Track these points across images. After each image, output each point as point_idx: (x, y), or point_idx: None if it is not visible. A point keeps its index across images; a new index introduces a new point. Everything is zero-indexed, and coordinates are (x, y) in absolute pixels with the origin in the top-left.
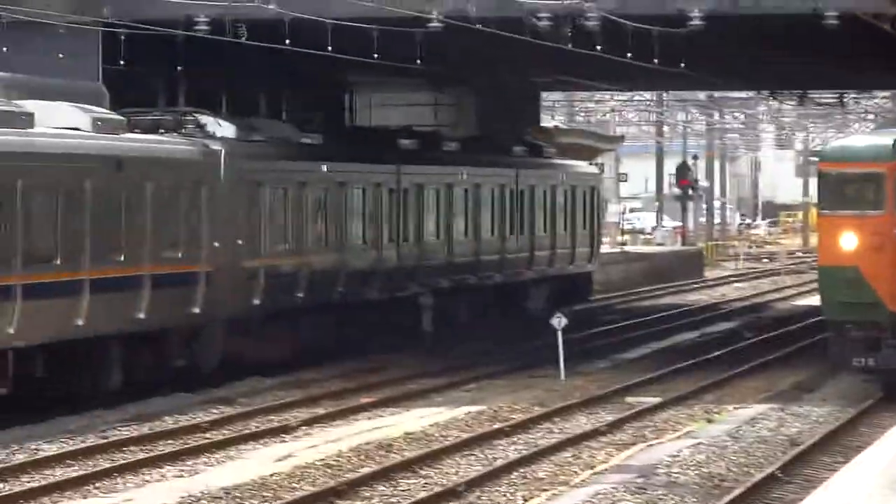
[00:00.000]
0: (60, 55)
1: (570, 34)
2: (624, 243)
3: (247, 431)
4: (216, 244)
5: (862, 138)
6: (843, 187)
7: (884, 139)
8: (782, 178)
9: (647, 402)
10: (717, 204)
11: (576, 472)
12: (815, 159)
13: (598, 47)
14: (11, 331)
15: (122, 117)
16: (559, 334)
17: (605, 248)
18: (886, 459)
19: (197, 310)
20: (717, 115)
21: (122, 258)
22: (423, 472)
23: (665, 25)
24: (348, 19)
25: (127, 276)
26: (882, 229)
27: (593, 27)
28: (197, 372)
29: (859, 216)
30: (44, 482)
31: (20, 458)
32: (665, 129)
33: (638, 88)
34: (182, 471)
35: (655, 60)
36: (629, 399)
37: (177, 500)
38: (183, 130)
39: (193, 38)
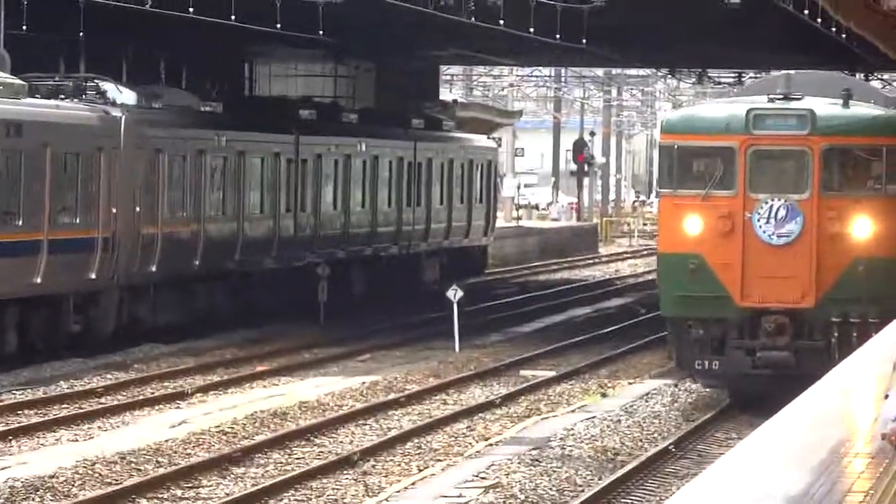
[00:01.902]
0: None
1: (472, 7)
2: (519, 218)
3: (142, 397)
4: (114, 210)
5: (711, 107)
6: (687, 163)
7: (736, 108)
8: None
9: (541, 375)
10: (612, 181)
11: (470, 443)
12: None
13: (501, 21)
14: None
15: (22, 82)
16: (455, 307)
17: (500, 223)
18: (783, 435)
19: (93, 275)
20: (614, 92)
21: (20, 223)
22: (317, 441)
23: (568, 1)
24: None
25: (23, 240)
26: (731, 212)
27: (495, 1)
28: (93, 337)
29: (705, 197)
30: None
31: None
32: (562, 105)
33: (538, 64)
34: (77, 435)
35: (558, 36)
36: (523, 372)
37: (72, 464)
38: (84, 96)
39: (96, 4)
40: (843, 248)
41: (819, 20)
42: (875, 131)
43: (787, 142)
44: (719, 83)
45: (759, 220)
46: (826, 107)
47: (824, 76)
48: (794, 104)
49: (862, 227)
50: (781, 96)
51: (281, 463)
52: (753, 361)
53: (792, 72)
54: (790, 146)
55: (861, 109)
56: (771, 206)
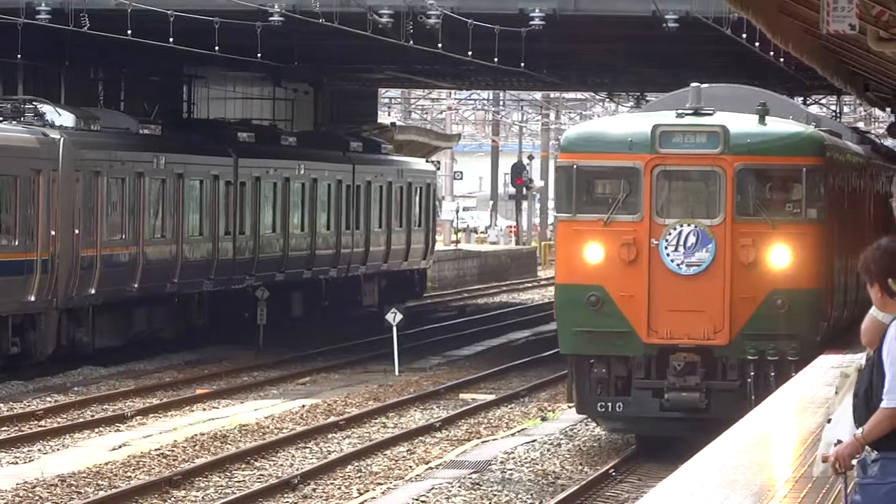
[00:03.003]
0: None
1: (410, 31)
2: (458, 241)
3: (82, 420)
4: (53, 232)
5: (614, 122)
6: (587, 185)
7: (641, 124)
8: None
9: (480, 399)
10: (551, 204)
11: (410, 466)
12: None
13: (440, 45)
14: None
15: None
16: (394, 330)
17: (439, 246)
18: (723, 459)
19: (32, 297)
20: (553, 116)
21: None
22: (257, 464)
23: (506, 24)
24: (189, 10)
25: None
26: (636, 239)
27: (434, 24)
28: (31, 359)
29: (607, 222)
30: None
31: None
32: (501, 129)
33: (477, 87)
34: (17, 457)
35: (496, 59)
36: (463, 396)
37: (12, 487)
38: (22, 118)
39: (34, 26)
40: (759, 279)
41: (757, 43)
42: (794, 150)
43: (697, 161)
44: None
45: (666, 248)
46: (740, 122)
47: (738, 90)
48: (704, 119)
49: (780, 256)
50: (691, 111)
51: (221, 486)
52: (661, 403)
53: (704, 85)
54: (700, 166)
55: (779, 125)
56: (679, 233)
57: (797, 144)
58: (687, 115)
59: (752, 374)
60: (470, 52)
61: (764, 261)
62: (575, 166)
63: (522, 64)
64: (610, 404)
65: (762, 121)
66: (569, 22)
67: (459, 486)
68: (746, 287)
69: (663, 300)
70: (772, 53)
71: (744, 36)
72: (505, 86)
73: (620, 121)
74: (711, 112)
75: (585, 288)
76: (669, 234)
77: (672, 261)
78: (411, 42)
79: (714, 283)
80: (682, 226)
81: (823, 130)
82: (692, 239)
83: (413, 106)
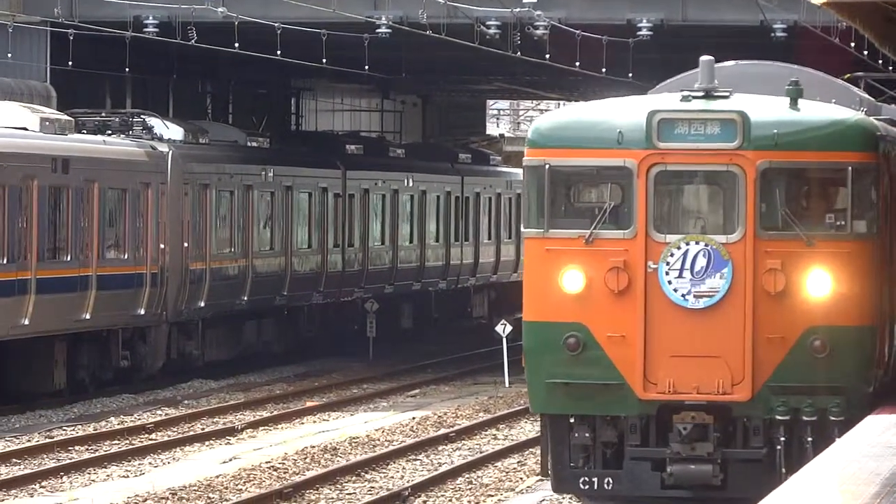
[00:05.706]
0: (9, 55)
1: (518, 42)
2: None
3: (192, 433)
4: (162, 246)
5: (599, 107)
6: (564, 190)
7: (634, 110)
8: None
9: None
10: None
11: (521, 478)
12: None
13: (547, 56)
14: None
15: (69, 118)
16: (504, 341)
17: None
18: (832, 472)
19: (142, 311)
20: None
21: (68, 258)
22: (368, 476)
23: (614, 35)
24: (296, 23)
25: (71, 276)
26: (628, 261)
27: (542, 35)
28: (141, 373)
29: (590, 239)
30: None
31: None
32: None
33: (584, 98)
34: (128, 471)
35: (603, 69)
36: None
37: (123, 500)
38: (130, 132)
39: (142, 40)
40: (790, 314)
41: (865, 52)
42: (836, 143)
43: (709, 159)
44: None
45: (668, 274)
46: (765, 107)
47: (766, 67)
48: (718, 104)
49: (818, 283)
50: (701, 93)
51: (332, 499)
52: (662, 478)
53: (729, 63)
54: (712, 165)
55: (816, 111)
56: (685, 253)
57: (841, 135)
58: (696, 98)
59: (783, 439)
60: (578, 63)
61: (797, 290)
62: (547, 166)
63: (630, 74)
64: (596, 479)
65: (794, 105)
66: (676, 31)
67: (571, 498)
68: (774, 324)
69: (664, 342)
70: (881, 62)
71: (852, 45)
72: (613, 96)
73: (609, 106)
74: (727, 94)
75: (561, 326)
76: (672, 254)
77: (675, 290)
78: (519, 53)
79: (731, 319)
80: (688, 244)
81: (881, 119)
82: (702, 261)
83: (521, 117)
